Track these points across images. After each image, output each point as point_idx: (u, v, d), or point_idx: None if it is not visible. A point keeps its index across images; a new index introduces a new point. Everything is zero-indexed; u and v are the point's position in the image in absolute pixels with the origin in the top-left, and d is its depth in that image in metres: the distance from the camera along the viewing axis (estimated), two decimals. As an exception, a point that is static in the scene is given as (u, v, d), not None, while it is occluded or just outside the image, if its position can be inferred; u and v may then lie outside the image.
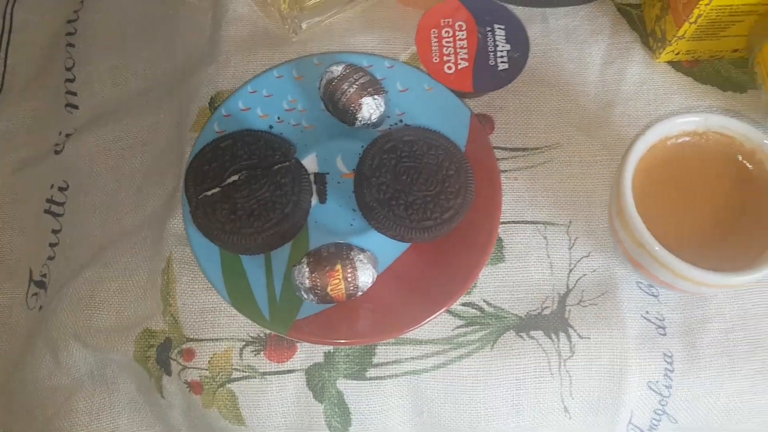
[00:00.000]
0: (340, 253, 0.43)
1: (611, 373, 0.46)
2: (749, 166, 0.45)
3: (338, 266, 0.43)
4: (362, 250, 0.44)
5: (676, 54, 0.54)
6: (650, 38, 0.55)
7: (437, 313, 0.45)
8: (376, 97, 0.47)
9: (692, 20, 0.49)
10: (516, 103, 0.53)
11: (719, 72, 0.54)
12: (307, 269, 0.43)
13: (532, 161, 0.51)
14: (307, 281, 0.43)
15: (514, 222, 0.50)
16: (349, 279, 0.43)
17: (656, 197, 0.44)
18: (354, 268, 0.43)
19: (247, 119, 0.49)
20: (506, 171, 0.51)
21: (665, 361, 0.46)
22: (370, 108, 0.47)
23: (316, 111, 0.50)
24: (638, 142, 0.43)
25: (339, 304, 0.45)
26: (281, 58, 0.53)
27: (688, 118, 0.44)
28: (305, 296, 0.43)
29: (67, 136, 0.57)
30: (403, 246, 0.47)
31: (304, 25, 0.54)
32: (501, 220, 0.49)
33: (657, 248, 0.41)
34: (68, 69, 0.59)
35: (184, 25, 0.58)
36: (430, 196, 0.45)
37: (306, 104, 0.50)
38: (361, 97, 0.47)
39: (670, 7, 0.51)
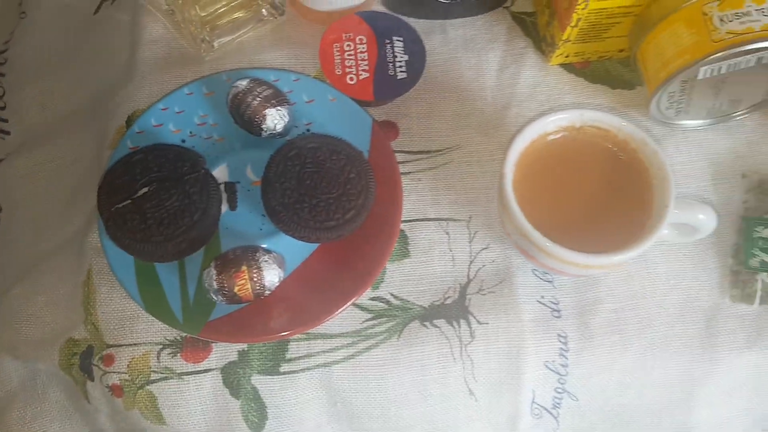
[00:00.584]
0: (246, 255, 0.46)
1: (509, 355, 0.49)
2: (622, 156, 0.48)
3: (244, 267, 0.45)
4: (268, 252, 0.47)
5: (566, 56, 0.57)
6: (542, 43, 0.58)
7: (344, 307, 0.48)
8: (279, 108, 0.50)
9: (573, 24, 0.53)
10: (419, 109, 0.57)
11: (609, 71, 0.58)
12: (215, 272, 0.46)
13: (434, 163, 0.55)
14: (215, 283, 0.45)
15: (418, 220, 0.53)
16: (255, 279, 0.46)
17: (537, 190, 0.47)
18: (259, 269, 0.46)
19: (160, 135, 0.52)
20: (410, 173, 0.54)
21: (560, 341, 0.49)
22: (274, 118, 0.50)
23: (226, 124, 0.52)
24: (516, 140, 0.47)
25: (250, 303, 0.47)
26: (194, 76, 0.56)
27: (560, 114, 0.48)
28: (215, 298, 0.46)
29: (0, 161, 0.59)
30: (312, 246, 0.50)
31: (216, 44, 0.57)
32: (406, 219, 0.52)
33: (536, 236, 0.44)
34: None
35: (105, 49, 0.61)
36: (332, 198, 0.48)
37: (217, 118, 0.53)
38: (265, 109, 0.50)
39: (556, 14, 0.55)
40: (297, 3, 0.58)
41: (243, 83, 0.51)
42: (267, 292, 0.47)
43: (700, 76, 0.49)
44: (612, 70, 0.58)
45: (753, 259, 0.51)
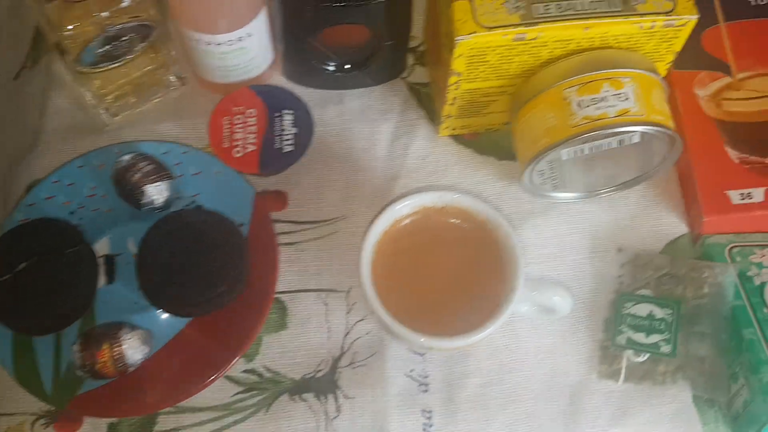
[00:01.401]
0: (109, 332, 0.48)
1: (373, 430, 0.50)
2: (480, 237, 0.49)
3: (105, 345, 0.47)
4: (133, 329, 0.48)
5: (453, 129, 0.59)
6: (435, 115, 0.60)
7: (212, 381, 0.50)
8: (158, 183, 0.52)
9: (450, 102, 0.55)
10: (310, 179, 0.58)
11: (497, 143, 0.60)
12: (78, 348, 0.47)
13: (320, 233, 0.56)
14: (78, 360, 0.47)
15: (299, 291, 0.54)
16: (117, 357, 0.47)
17: (396, 271, 0.48)
18: (121, 347, 0.47)
19: (51, 207, 0.54)
20: (296, 243, 0.56)
21: (424, 416, 0.50)
22: (152, 194, 0.52)
23: (114, 196, 0.54)
24: (376, 221, 0.48)
25: (119, 378, 0.49)
26: (95, 146, 0.58)
27: (420, 196, 0.49)
28: (80, 372, 0.48)
29: None
30: (185, 320, 0.51)
31: (118, 116, 0.59)
32: (287, 290, 0.54)
33: (383, 315, 0.46)
34: None
35: (21, 114, 0.63)
36: (204, 274, 0.50)
37: (106, 190, 0.55)
38: (144, 185, 0.52)
39: (438, 91, 0.57)
40: (198, 74, 0.60)
41: (126, 158, 0.52)
42: (131, 369, 0.48)
43: (565, 158, 0.50)
44: (500, 142, 0.59)
45: (620, 336, 0.52)
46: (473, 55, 0.49)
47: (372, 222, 0.48)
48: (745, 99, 0.58)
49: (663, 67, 0.53)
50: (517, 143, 0.53)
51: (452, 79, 0.52)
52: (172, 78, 0.60)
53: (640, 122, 0.47)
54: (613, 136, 0.48)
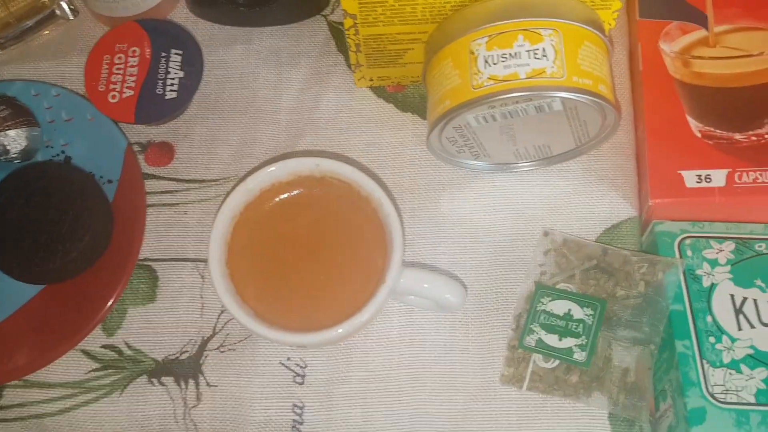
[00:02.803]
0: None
1: (235, 423, 0.44)
2: (362, 215, 0.42)
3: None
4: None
5: (370, 80, 0.51)
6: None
7: (60, 353, 0.44)
8: (14, 131, 0.46)
9: (353, 49, 0.46)
10: (202, 131, 0.51)
11: (425, 98, 0.51)
12: None
13: (206, 194, 0.49)
14: None
15: (174, 259, 0.48)
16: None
17: (261, 249, 0.42)
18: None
19: None
20: (177, 204, 0.49)
21: (294, 412, 0.44)
22: (7, 142, 0.46)
23: (-24, 143, 0.48)
24: (238, 189, 0.41)
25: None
26: (-29, 83, 0.52)
27: (292, 162, 0.42)
28: None
29: None
30: (37, 286, 0.46)
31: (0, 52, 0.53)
32: (160, 257, 0.48)
33: (233, 308, 0.39)
34: None
35: None
36: (54, 236, 0.44)
37: (-32, 135, 0.49)
38: (-3, 132, 0.46)
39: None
40: (88, 4, 0.53)
41: (-21, 102, 0.46)
42: (-36, 338, 0.43)
43: (474, 124, 0.42)
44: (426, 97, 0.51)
45: (529, 336, 0.44)
46: (363, -6, 0.40)
47: (232, 189, 0.41)
48: (720, 58, 0.47)
49: (609, 16, 0.43)
50: (428, 102, 0.45)
51: (347, 22, 0.43)
52: (61, 9, 0.53)
53: (555, 87, 0.39)
54: (524, 101, 0.40)
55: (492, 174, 0.48)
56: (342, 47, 0.53)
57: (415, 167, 0.49)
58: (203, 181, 0.50)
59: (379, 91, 0.52)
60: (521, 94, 0.39)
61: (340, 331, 0.38)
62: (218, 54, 0.53)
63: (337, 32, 0.53)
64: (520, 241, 0.47)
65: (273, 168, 0.42)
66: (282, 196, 0.42)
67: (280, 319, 0.39)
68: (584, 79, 0.39)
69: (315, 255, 0.42)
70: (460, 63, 0.41)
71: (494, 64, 0.39)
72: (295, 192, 0.42)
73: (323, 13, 0.54)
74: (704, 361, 0.41)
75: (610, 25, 0.44)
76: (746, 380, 0.41)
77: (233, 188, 0.42)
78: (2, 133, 0.46)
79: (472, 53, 0.40)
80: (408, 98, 0.51)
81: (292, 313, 0.40)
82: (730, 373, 0.41)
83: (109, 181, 0.48)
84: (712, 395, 0.40)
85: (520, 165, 0.48)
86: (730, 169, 0.45)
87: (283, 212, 0.42)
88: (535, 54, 0.39)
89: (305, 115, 0.51)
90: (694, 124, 0.46)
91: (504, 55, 0.39)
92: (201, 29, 0.53)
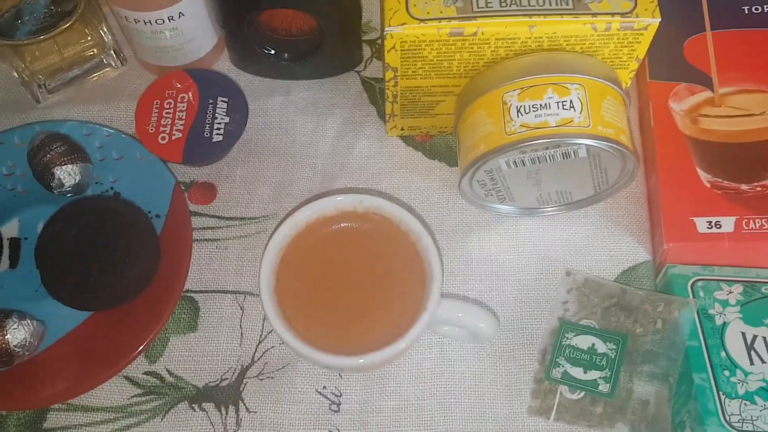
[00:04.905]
0: (-7, 319, 0.44)
1: (273, 450, 0.46)
2: (402, 249, 0.45)
3: (-13, 333, 0.44)
4: (23, 318, 0.45)
5: (401, 129, 0.54)
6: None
7: (105, 379, 0.46)
8: (70, 166, 0.49)
9: (391, 100, 0.50)
10: (244, 173, 0.54)
11: (451, 147, 0.55)
12: (-40, 334, 0.44)
13: (246, 231, 0.52)
14: (-41, 346, 0.44)
15: (215, 291, 0.50)
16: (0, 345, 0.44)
17: (306, 277, 0.44)
18: (4, 335, 0.44)
19: (-36, 183, 0.51)
20: (218, 240, 0.52)
21: (330, 439, 0.46)
22: (62, 176, 0.49)
23: (31, 177, 0.51)
24: (287, 221, 0.44)
25: (7, 369, 0.46)
26: (23, 123, 0.55)
27: (338, 198, 0.45)
28: (-39, 360, 0.45)
29: None
30: (85, 313, 0.48)
31: (51, 96, 0.56)
32: (202, 289, 0.50)
33: (277, 324, 0.41)
34: None
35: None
36: (105, 265, 0.46)
37: (24, 170, 0.52)
38: (54, 166, 0.49)
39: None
40: (136, 54, 0.57)
41: (38, 138, 0.49)
42: (17, 360, 0.45)
43: (505, 168, 0.46)
44: (453, 146, 0.55)
45: (556, 369, 0.47)
46: (407, 49, 0.45)
47: (279, 224, 0.44)
48: (724, 117, 0.52)
49: (626, 75, 0.48)
50: (460, 148, 0.48)
51: (388, 74, 0.47)
52: (110, 57, 0.57)
53: (583, 134, 0.42)
54: (553, 147, 0.43)
55: (516, 218, 0.52)
56: (373, 100, 0.57)
57: (443, 210, 0.53)
58: (243, 218, 0.53)
59: (408, 140, 0.55)
60: (551, 140, 0.42)
61: (391, 351, 0.40)
62: (259, 103, 0.56)
63: (368, 86, 0.57)
64: (543, 280, 0.50)
65: (319, 203, 0.45)
66: (327, 230, 0.45)
67: (325, 343, 0.42)
68: (608, 128, 0.43)
69: (357, 284, 0.44)
70: (493, 112, 0.44)
71: (526, 113, 0.43)
72: (338, 226, 0.45)
73: (356, 69, 0.58)
74: (721, 393, 0.44)
75: (626, 83, 0.49)
76: (761, 410, 0.43)
77: (281, 221, 0.45)
78: (59, 168, 0.48)
79: (505, 104, 0.44)
80: (435, 147, 0.55)
81: (335, 337, 0.42)
82: (745, 404, 0.44)
83: (157, 216, 0.50)
84: (729, 424, 0.43)
85: (542, 209, 0.51)
86: (738, 216, 0.49)
87: (327, 244, 0.45)
88: (564, 105, 0.43)
89: (339, 160, 0.55)
90: (703, 175, 0.50)
91: (535, 106, 0.43)
92: (242, 81, 0.57)
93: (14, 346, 0.44)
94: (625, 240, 0.51)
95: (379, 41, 0.58)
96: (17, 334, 0.44)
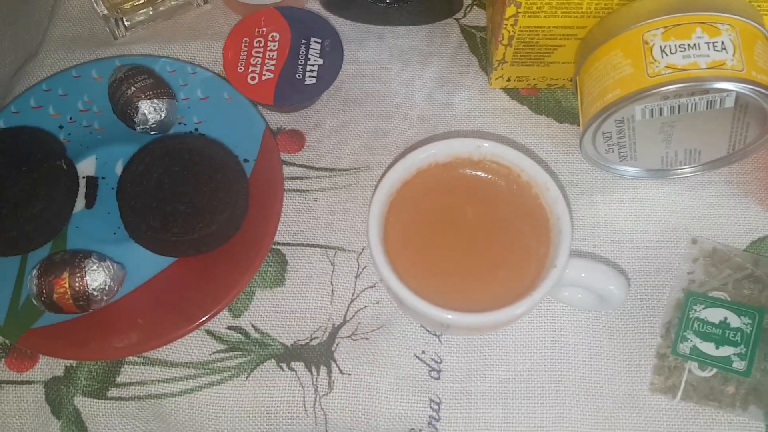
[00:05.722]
0: (73, 260, 0.41)
1: (368, 415, 0.42)
2: (522, 200, 0.40)
3: (65, 274, 0.40)
4: (102, 259, 0.42)
5: (507, 80, 0.50)
6: (488, 63, 0.51)
7: (187, 332, 0.42)
8: (155, 101, 0.45)
9: (505, 42, 0.46)
10: (333, 121, 0.50)
11: (559, 101, 0.51)
12: (36, 274, 0.40)
13: (337, 183, 0.48)
14: (34, 288, 0.40)
15: (303, 245, 0.46)
16: (77, 288, 0.40)
17: (415, 231, 0.40)
18: (83, 277, 0.40)
19: (37, 117, 0.48)
20: (307, 191, 0.48)
21: (431, 408, 0.42)
22: (147, 111, 0.45)
23: (109, 113, 0.47)
24: (396, 168, 0.40)
25: (79, 315, 0.42)
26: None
27: (453, 143, 0.40)
28: (36, 303, 0.41)
29: None
30: (168, 259, 0.44)
31: (129, 32, 0.53)
32: (290, 242, 0.46)
33: (392, 281, 0.37)
34: None
35: (26, 23, 0.57)
36: (193, 208, 0.43)
37: (102, 106, 0.48)
38: (139, 100, 0.45)
39: (493, 29, 0.48)
40: (223, -8, 0.53)
41: (122, 70, 0.46)
42: (93, 305, 0.41)
43: (638, 117, 0.41)
44: (563, 101, 0.50)
45: (683, 344, 0.42)
46: (538, -21, 0.40)
47: (389, 168, 0.40)
48: None
49: (772, 22, 0.43)
50: (582, 98, 0.44)
51: (510, 10, 0.43)
52: (194, -7, 0.53)
53: (738, 78, 0.38)
54: (701, 93, 0.39)
55: (634, 180, 0.47)
56: (474, 49, 0.52)
57: (550, 169, 0.48)
58: (333, 169, 0.49)
59: (512, 93, 0.51)
60: (702, 83, 0.38)
61: (512, 311, 0.36)
62: (350, 49, 0.52)
63: (469, 35, 0.53)
64: (664, 248, 0.46)
65: (432, 147, 0.40)
66: (439, 177, 0.41)
67: (434, 297, 0.37)
68: (762, 75, 0.39)
69: (471, 238, 0.40)
70: (632, 53, 0.40)
71: (672, 53, 0.39)
72: (452, 173, 0.41)
73: (455, 17, 0.54)
74: None
75: (770, 30, 0.44)
76: None
77: (390, 166, 0.41)
78: (144, 101, 0.45)
79: (647, 43, 0.40)
80: (542, 101, 0.51)
81: (447, 293, 0.38)
82: None
83: (245, 161, 0.46)
84: None
85: (666, 171, 0.46)
86: None
87: (440, 193, 0.41)
88: (714, 46, 0.38)
89: (437, 112, 0.50)
90: None
91: (682, 46, 0.39)
92: (332, 24, 0.53)
93: (93, 289, 0.40)
94: (754, 209, 0.47)
95: (483, -14, 0.54)
96: (96, 276, 0.41)
